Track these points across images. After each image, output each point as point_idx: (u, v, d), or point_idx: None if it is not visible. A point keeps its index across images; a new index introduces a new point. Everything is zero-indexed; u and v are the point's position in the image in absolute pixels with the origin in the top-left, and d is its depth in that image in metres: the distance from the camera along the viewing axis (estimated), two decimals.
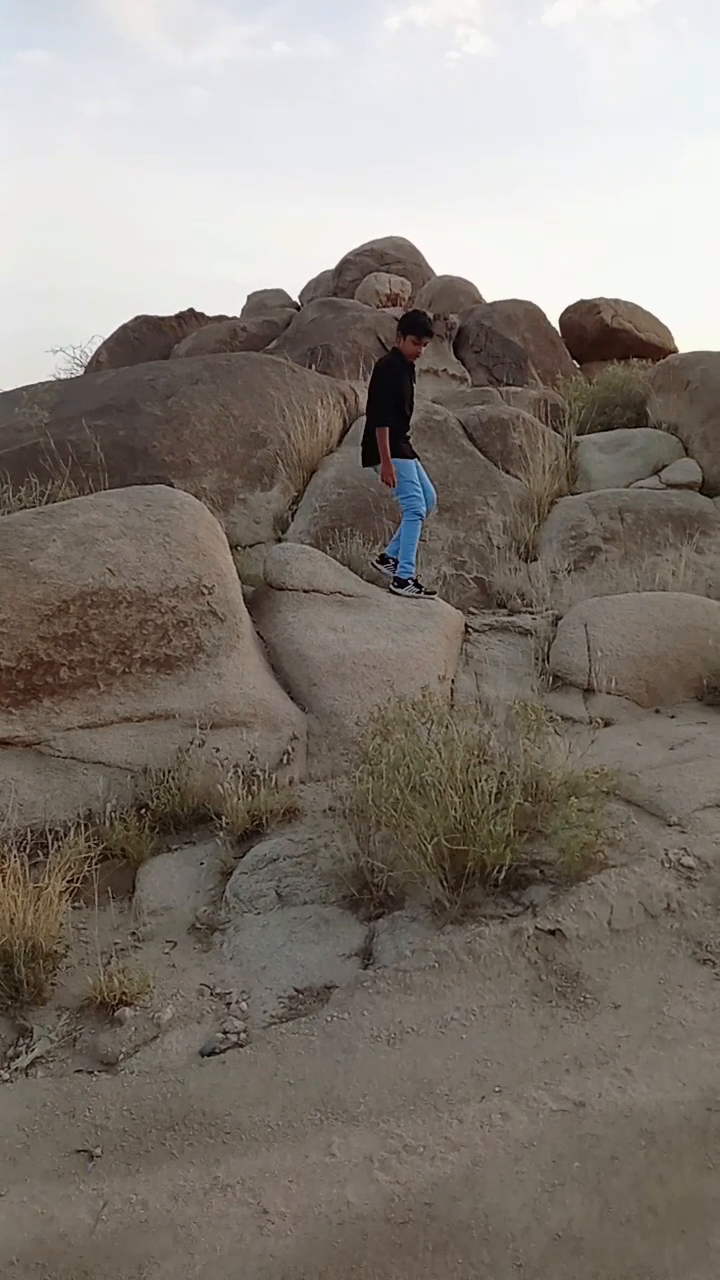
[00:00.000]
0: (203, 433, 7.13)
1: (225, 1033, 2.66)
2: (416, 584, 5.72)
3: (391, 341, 12.90)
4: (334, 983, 2.89)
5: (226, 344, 13.06)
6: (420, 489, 5.58)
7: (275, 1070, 2.51)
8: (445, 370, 12.76)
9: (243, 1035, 2.66)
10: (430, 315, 5.93)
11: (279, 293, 17.56)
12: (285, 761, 4.31)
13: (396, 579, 5.70)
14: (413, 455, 5.67)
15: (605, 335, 14.80)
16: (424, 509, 5.59)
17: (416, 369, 5.77)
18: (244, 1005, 2.80)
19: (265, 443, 7.39)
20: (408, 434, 5.68)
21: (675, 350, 14.22)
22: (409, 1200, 2.08)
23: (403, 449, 5.58)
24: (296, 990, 2.87)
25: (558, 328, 14.95)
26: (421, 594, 5.69)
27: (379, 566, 5.89)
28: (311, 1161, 2.21)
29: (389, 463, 5.51)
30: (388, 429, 5.47)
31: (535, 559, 7.17)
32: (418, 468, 5.68)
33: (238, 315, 16.26)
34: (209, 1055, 2.58)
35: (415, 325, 5.50)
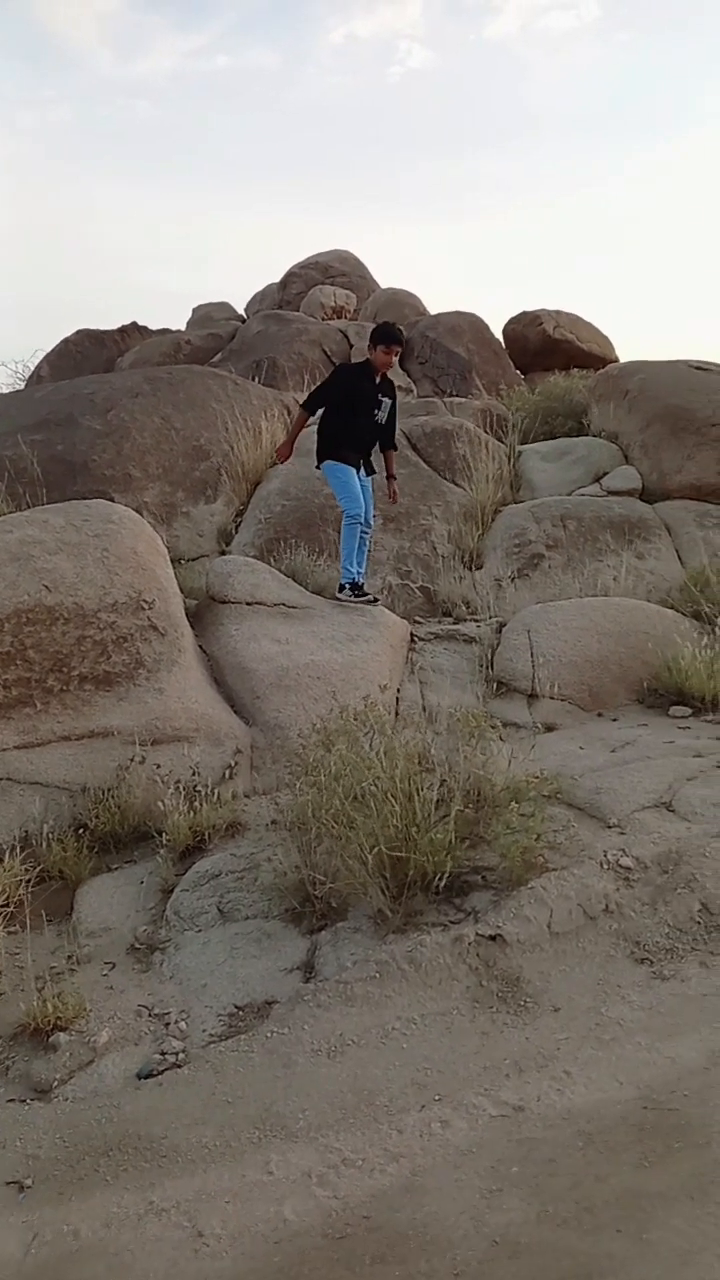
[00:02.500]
0: (144, 446, 7.08)
1: (163, 1054, 2.62)
2: (356, 588, 5.65)
3: (337, 355, 12.98)
4: (275, 997, 2.86)
5: (171, 357, 13.01)
6: (351, 492, 5.51)
7: (213, 1089, 2.48)
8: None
9: (181, 1055, 2.62)
10: (398, 326, 5.86)
11: (224, 305, 17.57)
12: (228, 776, 4.28)
13: (340, 585, 5.69)
14: (356, 465, 5.60)
15: (548, 346, 15.04)
16: (359, 512, 5.52)
17: (395, 386, 5.74)
18: (183, 1025, 2.76)
19: (208, 455, 7.36)
20: (355, 443, 5.60)
21: (616, 360, 14.50)
22: (347, 1214, 2.06)
23: (346, 455, 5.54)
24: (237, 1007, 2.84)
25: (501, 339, 15.16)
26: (359, 600, 5.62)
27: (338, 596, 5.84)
28: (249, 1180, 2.18)
29: (290, 440, 5.73)
30: (307, 414, 5.63)
31: (480, 567, 7.24)
32: (361, 481, 5.64)
33: (183, 328, 16.21)
34: (146, 1077, 2.53)
35: (382, 335, 5.52)
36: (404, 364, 13.51)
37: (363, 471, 5.68)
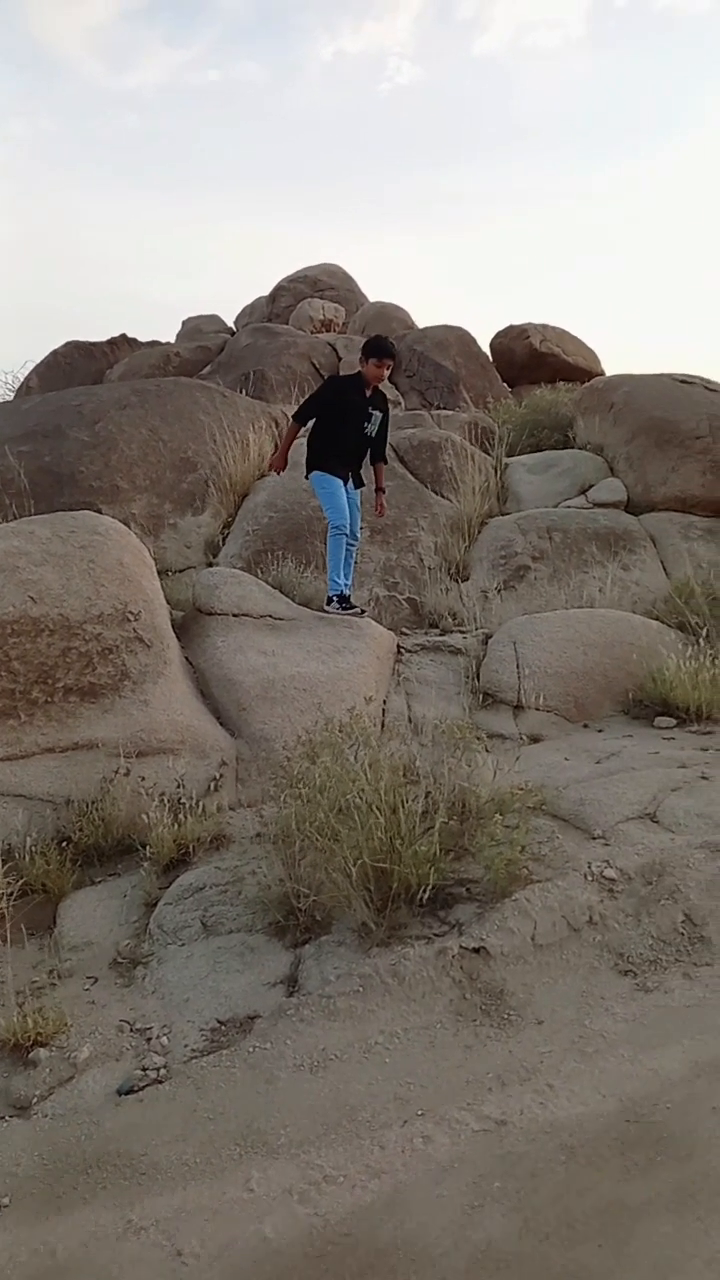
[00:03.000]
0: (131, 458, 7.08)
1: (144, 1069, 2.60)
2: (343, 600, 5.63)
3: (326, 368, 13.03)
4: (258, 1012, 2.84)
5: (160, 369, 13.03)
6: (335, 503, 5.50)
7: (195, 1105, 2.46)
8: None
9: (162, 1071, 2.59)
10: (390, 340, 5.86)
11: (214, 318, 17.62)
12: (213, 788, 4.26)
13: (328, 597, 5.69)
14: (344, 477, 5.59)
15: (534, 359, 15.14)
16: (344, 523, 5.50)
17: (387, 399, 5.73)
18: (165, 1040, 2.74)
19: (196, 467, 7.37)
20: (343, 454, 5.59)
21: (601, 373, 14.60)
22: (329, 1231, 2.05)
23: (333, 466, 5.53)
24: (219, 1022, 2.82)
25: (488, 352, 15.24)
26: (345, 613, 5.60)
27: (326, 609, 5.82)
28: (229, 1198, 2.16)
29: (283, 452, 5.70)
30: (298, 425, 5.62)
31: (466, 579, 7.25)
32: (349, 493, 5.63)
33: (172, 340, 16.25)
34: (127, 1094, 2.51)
35: (374, 348, 5.51)
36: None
37: (351, 484, 5.67)
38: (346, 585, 5.68)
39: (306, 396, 5.68)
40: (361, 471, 5.85)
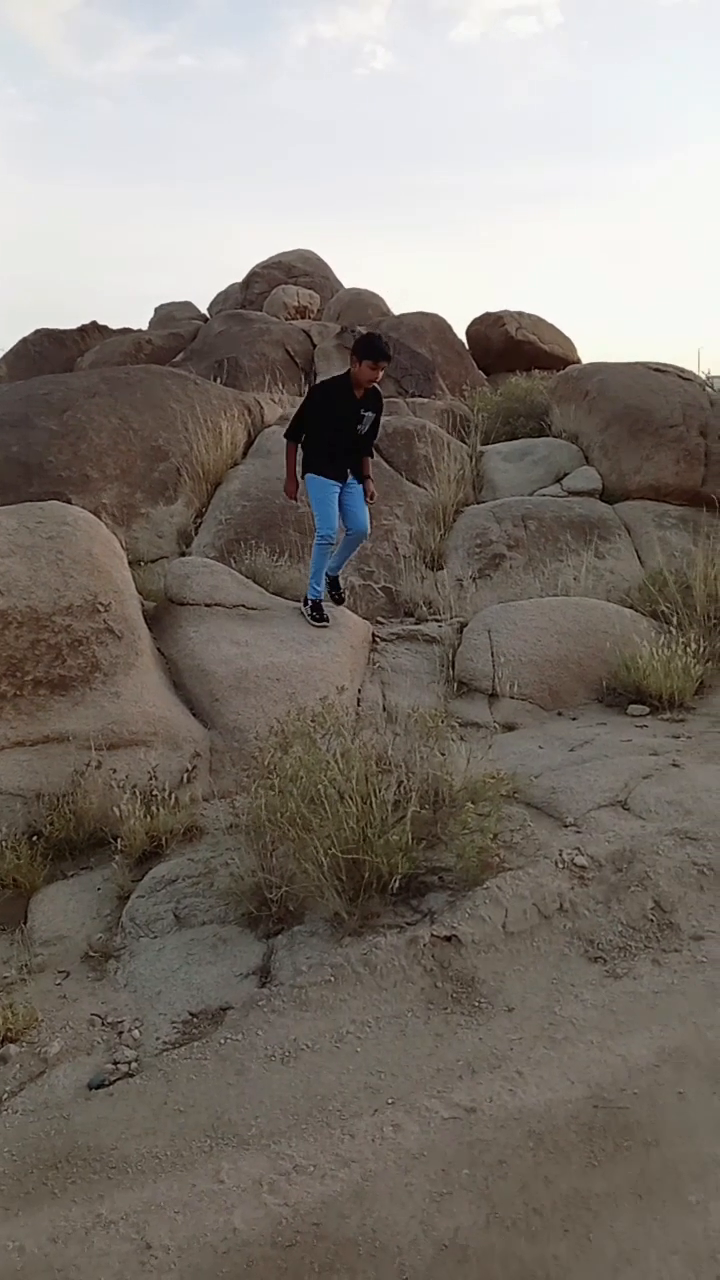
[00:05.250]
0: (101, 447, 7.01)
1: (115, 1063, 2.59)
2: (316, 608, 5.48)
3: (300, 355, 12.93)
4: (230, 1003, 2.84)
5: (131, 357, 12.89)
6: (325, 512, 5.34)
7: (165, 1098, 2.45)
8: None
9: (133, 1064, 2.59)
10: (384, 338, 5.58)
11: (187, 305, 17.45)
12: (186, 779, 4.24)
13: (305, 598, 5.62)
14: (340, 478, 5.39)
15: (510, 347, 15.11)
16: (329, 533, 5.36)
17: (381, 397, 5.46)
18: (136, 1033, 2.73)
19: (167, 456, 7.30)
20: (336, 459, 5.38)
21: (578, 361, 14.61)
22: (297, 1222, 2.05)
23: (325, 469, 5.35)
24: (191, 1014, 2.81)
25: (464, 339, 15.21)
26: (314, 623, 5.43)
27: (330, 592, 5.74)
28: (199, 1190, 2.16)
29: (291, 476, 5.48)
30: (293, 445, 5.43)
31: (442, 567, 7.25)
32: (349, 492, 5.45)
33: (145, 327, 16.07)
34: (97, 1088, 2.50)
35: (368, 349, 5.15)
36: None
37: (351, 479, 5.48)
38: (321, 592, 5.56)
39: (295, 410, 5.45)
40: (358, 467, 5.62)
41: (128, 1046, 2.68)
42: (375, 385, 5.35)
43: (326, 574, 5.64)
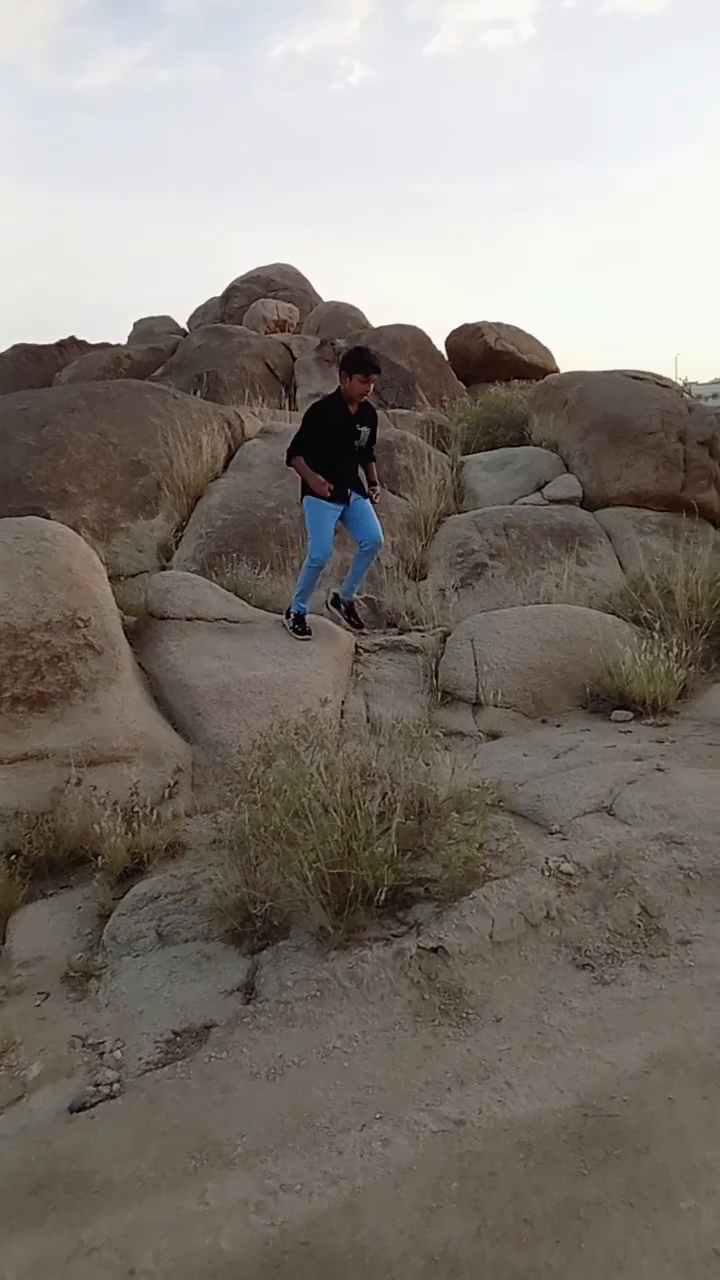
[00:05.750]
0: (80, 462, 6.98)
1: (97, 1085, 2.54)
2: (298, 622, 5.45)
3: (280, 368, 12.97)
4: (214, 1021, 2.80)
5: (111, 371, 12.89)
6: (320, 535, 5.29)
7: (149, 1119, 2.41)
8: None
9: (115, 1086, 2.54)
10: (372, 351, 5.50)
11: (166, 319, 17.49)
12: (168, 795, 4.20)
13: (288, 610, 5.57)
14: (336, 500, 5.33)
15: (490, 357, 15.23)
16: (321, 557, 5.32)
17: (375, 409, 5.43)
18: (118, 1054, 2.69)
19: (147, 470, 7.28)
20: (338, 479, 5.33)
21: (556, 370, 14.72)
22: (285, 1241, 2.02)
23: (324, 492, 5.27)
24: (174, 1033, 2.77)
25: (444, 351, 15.30)
26: (297, 636, 5.40)
27: (331, 609, 5.68)
28: (184, 1212, 2.12)
29: (316, 480, 5.29)
30: (300, 459, 5.34)
31: (424, 577, 7.26)
32: (356, 508, 5.40)
33: (123, 342, 16.08)
34: (79, 1110, 2.46)
35: (358, 363, 5.15)
36: None
37: (354, 497, 5.43)
38: (305, 608, 5.52)
39: (294, 436, 5.41)
40: (359, 482, 5.57)
41: (109, 1068, 2.64)
42: (368, 400, 5.34)
43: (342, 598, 5.62)
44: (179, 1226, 2.08)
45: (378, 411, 5.60)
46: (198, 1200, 2.15)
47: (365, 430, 5.38)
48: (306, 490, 5.33)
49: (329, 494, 5.31)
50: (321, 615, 5.84)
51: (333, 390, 5.49)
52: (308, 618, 5.48)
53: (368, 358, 5.22)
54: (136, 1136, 2.36)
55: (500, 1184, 2.13)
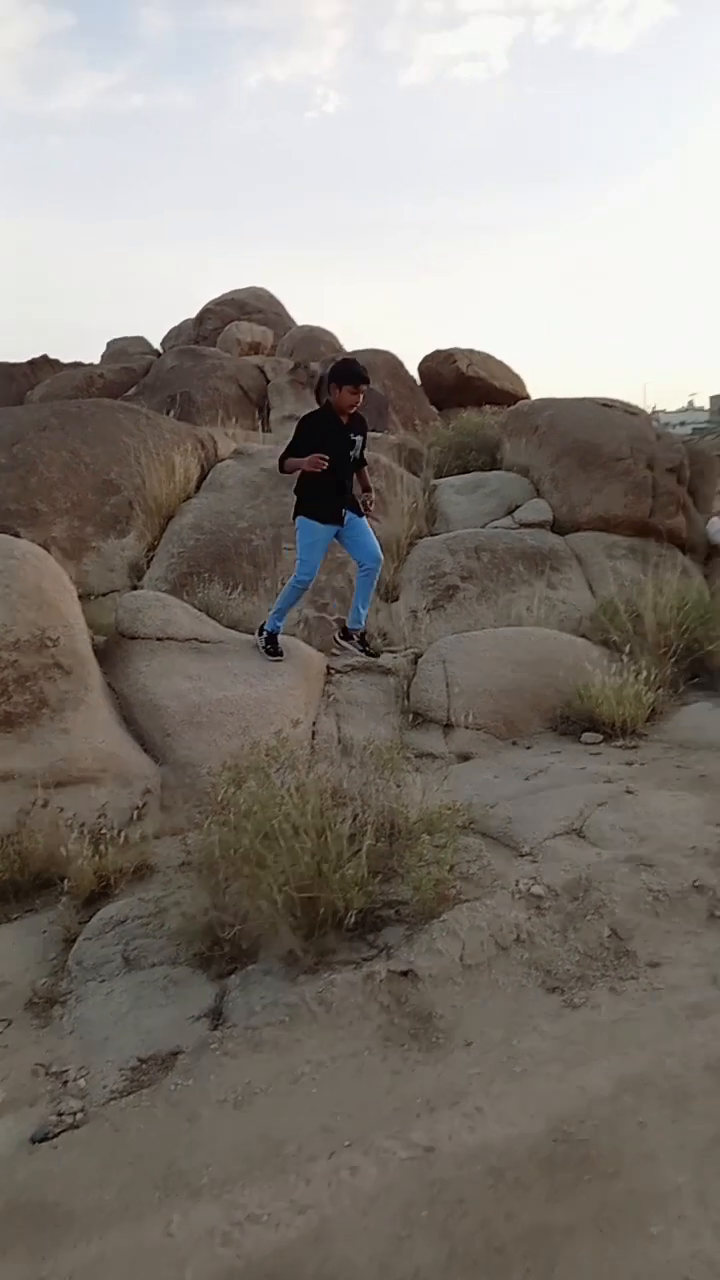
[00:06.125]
0: (51, 480, 6.94)
1: (60, 1114, 2.48)
2: (271, 641, 5.39)
3: (253, 390, 13.01)
4: (181, 1047, 2.75)
5: (83, 390, 12.86)
6: (310, 558, 5.17)
7: (113, 1149, 2.36)
8: None
9: (79, 1115, 2.49)
10: (360, 363, 5.34)
11: (139, 340, 17.52)
12: (137, 817, 4.15)
13: (260, 627, 5.51)
14: (335, 518, 5.21)
15: (462, 383, 15.41)
16: (306, 580, 5.20)
17: (364, 420, 5.30)
18: (82, 1082, 2.63)
19: (119, 489, 7.26)
20: (331, 496, 5.18)
21: (527, 396, 14.92)
22: (251, 1273, 1.98)
23: (320, 512, 5.16)
24: (140, 1060, 2.72)
25: (417, 376, 15.46)
26: (267, 654, 5.36)
27: (341, 642, 5.56)
28: (149, 1244, 2.07)
29: (305, 462, 5.04)
30: (291, 460, 5.14)
31: (396, 599, 7.29)
32: (353, 527, 5.25)
33: (96, 361, 16.07)
34: (41, 1141, 2.40)
35: (347, 374, 5.05)
36: (319, 400, 13.62)
37: (351, 515, 5.28)
38: (279, 626, 5.45)
39: (286, 446, 5.30)
40: (355, 500, 5.40)
41: (73, 1096, 2.58)
42: (359, 414, 5.23)
43: (350, 628, 5.49)
44: (143, 1259, 2.04)
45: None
46: (163, 1232, 2.10)
47: (358, 439, 5.26)
48: (300, 510, 5.20)
49: (324, 466, 5.03)
50: (295, 636, 5.82)
51: (313, 409, 5.37)
52: (280, 638, 5.46)
53: (357, 369, 5.15)
54: (100, 1166, 2.31)
55: (470, 1211, 2.10)
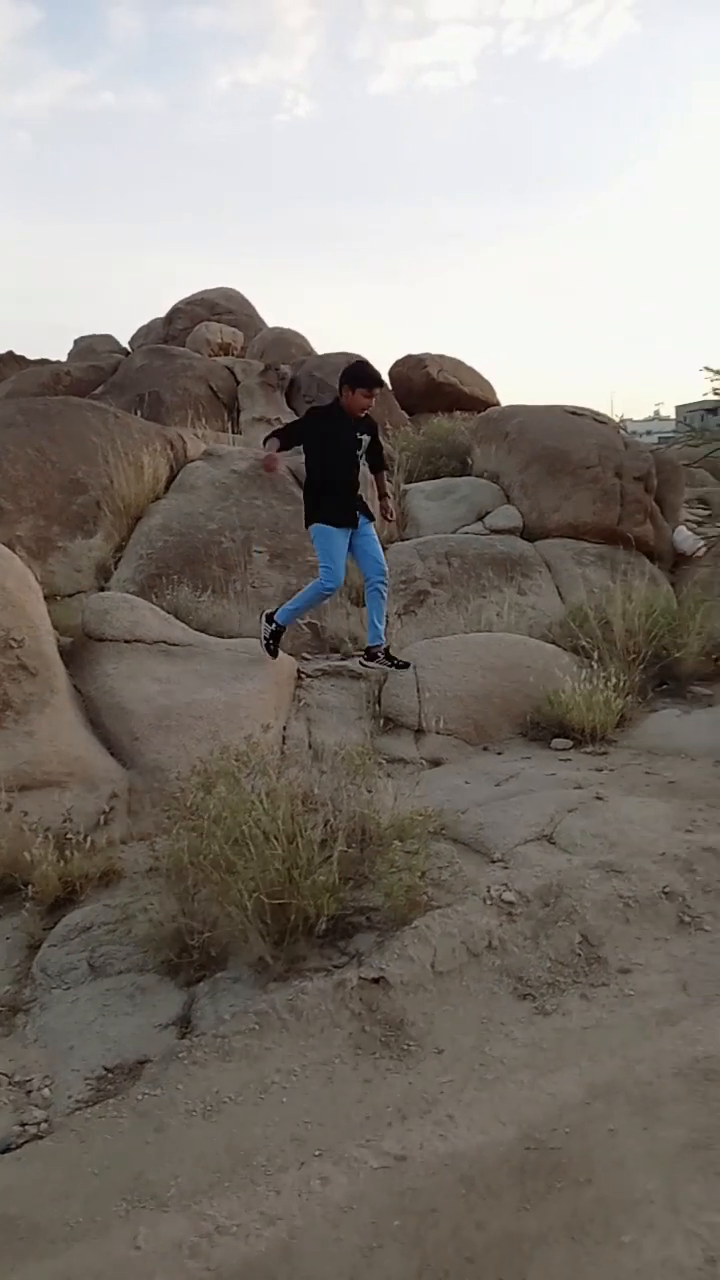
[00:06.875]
0: (16, 478, 6.83)
1: (23, 1125, 2.43)
2: (274, 637, 5.32)
3: (224, 391, 12.93)
4: (148, 1056, 2.71)
5: (50, 388, 12.70)
6: (334, 564, 5.00)
7: (78, 1160, 2.31)
8: (278, 419, 12.90)
9: (43, 1126, 2.44)
10: (373, 366, 5.22)
11: (108, 338, 17.36)
12: (104, 822, 4.09)
13: (267, 615, 5.38)
14: (351, 522, 5.04)
15: (432, 388, 15.45)
16: (333, 586, 5.05)
17: (379, 426, 5.15)
18: (46, 1092, 2.58)
19: (86, 489, 7.16)
20: (342, 499, 5.04)
21: (497, 403, 15.00)
22: None
23: (333, 516, 5.01)
24: (106, 1069, 2.67)
25: (387, 381, 15.46)
26: (265, 645, 5.33)
27: (367, 664, 5.39)
28: (115, 1257, 2.03)
29: (270, 456, 5.09)
30: (276, 441, 5.07)
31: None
32: (362, 535, 5.11)
33: (63, 359, 15.89)
34: (4, 1152, 2.34)
35: (361, 377, 4.94)
36: (291, 402, 13.61)
37: (362, 522, 5.14)
38: (284, 623, 5.33)
39: (290, 423, 5.12)
40: (366, 504, 5.31)
41: (37, 1106, 2.53)
42: (369, 416, 5.14)
43: (371, 645, 5.32)
44: (108, 1274, 1.99)
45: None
46: (129, 1245, 2.06)
47: (365, 439, 5.10)
48: (314, 518, 5.04)
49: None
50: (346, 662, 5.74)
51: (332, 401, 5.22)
52: (251, 642, 5.42)
53: (371, 372, 5.02)
54: (66, 1178, 2.26)
55: (442, 1220, 2.09)
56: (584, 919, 3.20)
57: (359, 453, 5.10)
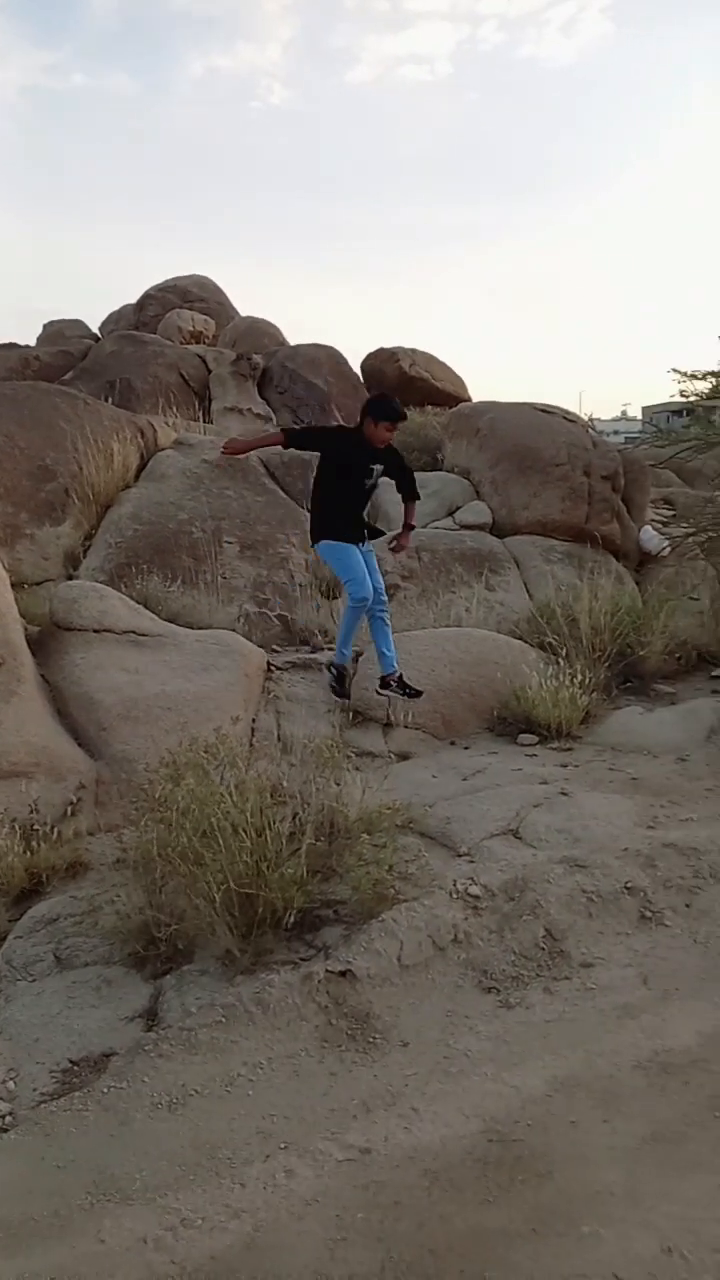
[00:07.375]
0: None
1: None
2: (338, 679, 5.23)
3: (195, 379, 12.80)
4: (114, 1049, 2.71)
5: (18, 373, 12.50)
6: (355, 574, 4.89)
7: (43, 1154, 2.30)
8: (250, 409, 12.82)
9: (7, 1119, 2.43)
10: (397, 400, 5.13)
11: (78, 323, 17.10)
12: (70, 813, 4.06)
13: (326, 665, 5.33)
14: (359, 539, 4.98)
15: (404, 382, 15.41)
16: (365, 595, 4.93)
17: (396, 451, 5.12)
18: (10, 1085, 2.56)
19: (55, 476, 7.06)
20: (352, 518, 4.98)
21: (468, 399, 15.03)
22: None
23: (342, 532, 4.92)
24: (72, 1062, 2.66)
25: (359, 373, 15.43)
26: (332, 689, 5.24)
27: (383, 692, 5.21)
28: (79, 1252, 2.03)
29: (249, 446, 5.16)
30: (283, 435, 4.95)
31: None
32: (364, 552, 5.01)
33: (32, 344, 15.64)
34: None
35: (385, 410, 4.87)
36: (262, 392, 13.52)
37: (366, 543, 5.07)
38: (348, 655, 5.25)
39: (310, 426, 5.01)
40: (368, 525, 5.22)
41: (1, 1099, 2.51)
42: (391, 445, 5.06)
43: (385, 675, 5.16)
44: (72, 1269, 1.99)
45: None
46: (94, 1239, 2.06)
47: (377, 469, 5.04)
48: (323, 535, 4.96)
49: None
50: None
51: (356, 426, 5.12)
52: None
53: (396, 405, 4.99)
54: (29, 1173, 2.25)
55: (406, 1214, 2.11)
56: (548, 913, 3.24)
57: (369, 481, 5.07)
